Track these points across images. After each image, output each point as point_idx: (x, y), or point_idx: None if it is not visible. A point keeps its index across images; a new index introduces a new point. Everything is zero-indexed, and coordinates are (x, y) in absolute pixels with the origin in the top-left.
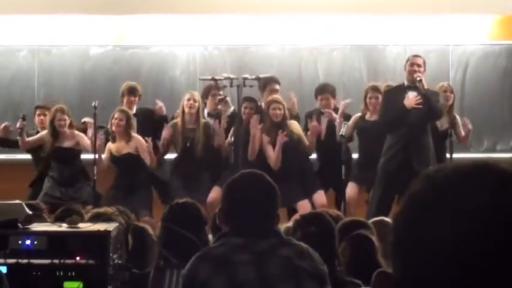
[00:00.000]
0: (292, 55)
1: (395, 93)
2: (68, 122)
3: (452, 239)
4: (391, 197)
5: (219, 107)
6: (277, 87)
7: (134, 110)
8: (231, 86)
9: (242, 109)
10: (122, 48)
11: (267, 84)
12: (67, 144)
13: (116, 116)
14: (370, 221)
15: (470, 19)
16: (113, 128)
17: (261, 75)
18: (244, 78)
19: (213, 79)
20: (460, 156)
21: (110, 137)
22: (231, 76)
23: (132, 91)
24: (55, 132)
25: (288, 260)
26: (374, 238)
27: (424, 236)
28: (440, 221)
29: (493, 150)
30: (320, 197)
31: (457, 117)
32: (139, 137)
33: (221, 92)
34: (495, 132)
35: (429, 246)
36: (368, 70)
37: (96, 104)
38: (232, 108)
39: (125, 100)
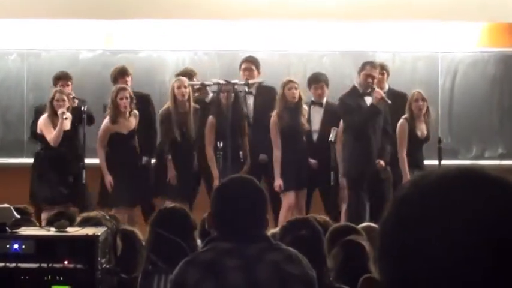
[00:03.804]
0: (281, 61)
1: (352, 99)
2: (67, 104)
3: (439, 244)
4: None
5: (196, 94)
6: (252, 67)
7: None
8: (221, 91)
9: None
10: (112, 53)
11: (241, 63)
12: (65, 125)
13: (120, 96)
14: (359, 226)
15: (459, 26)
16: (121, 109)
17: (251, 81)
18: (234, 84)
19: (202, 84)
20: (449, 163)
21: (108, 117)
22: (221, 81)
23: (123, 72)
24: (54, 113)
25: (276, 265)
26: (365, 244)
27: (411, 241)
28: (427, 226)
29: (482, 157)
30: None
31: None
32: (137, 113)
33: (195, 79)
34: (483, 140)
35: (416, 252)
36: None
37: (85, 109)
38: (210, 95)
39: (119, 83)
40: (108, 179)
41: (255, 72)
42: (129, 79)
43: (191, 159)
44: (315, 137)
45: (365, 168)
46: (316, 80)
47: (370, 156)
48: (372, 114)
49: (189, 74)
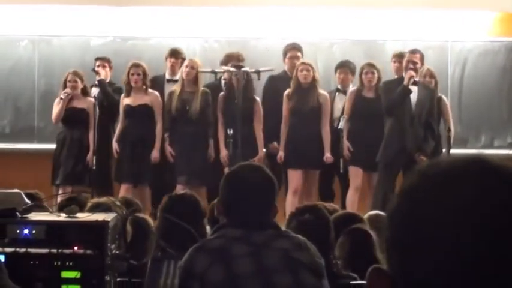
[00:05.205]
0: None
1: (395, 85)
2: (80, 85)
3: (450, 234)
4: None
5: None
6: (298, 54)
7: (178, 74)
8: (231, 78)
9: (233, 77)
10: (122, 40)
11: (287, 51)
12: (79, 105)
13: (132, 71)
14: (366, 215)
15: (469, 15)
16: (132, 84)
17: (261, 69)
18: (245, 73)
19: (212, 72)
20: (458, 152)
21: (124, 91)
22: (231, 69)
23: (172, 53)
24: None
25: (285, 252)
26: (372, 232)
27: (421, 232)
28: (438, 217)
29: (491, 147)
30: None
31: (444, 99)
32: (157, 93)
33: (241, 64)
34: (493, 129)
35: (427, 242)
36: (365, 63)
37: (96, 95)
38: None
39: (167, 64)
40: (114, 146)
41: (301, 60)
42: (177, 61)
43: (193, 140)
44: (335, 124)
45: (397, 155)
46: (340, 65)
47: (404, 144)
48: (403, 94)
49: (236, 57)
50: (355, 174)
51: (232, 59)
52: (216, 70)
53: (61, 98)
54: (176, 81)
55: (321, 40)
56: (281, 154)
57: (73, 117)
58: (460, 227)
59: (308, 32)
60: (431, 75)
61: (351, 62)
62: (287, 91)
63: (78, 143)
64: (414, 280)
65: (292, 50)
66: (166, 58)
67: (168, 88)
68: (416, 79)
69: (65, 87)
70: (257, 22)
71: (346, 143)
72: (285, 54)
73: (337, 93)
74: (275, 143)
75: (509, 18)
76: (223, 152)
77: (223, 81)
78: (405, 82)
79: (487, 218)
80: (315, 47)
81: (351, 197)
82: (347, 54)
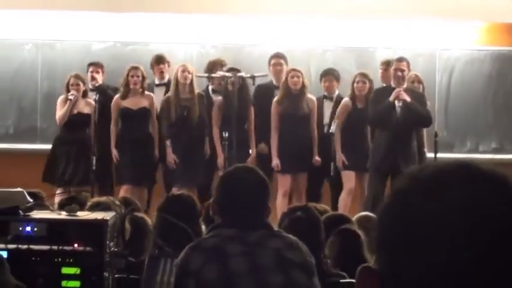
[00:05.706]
0: (285, 56)
1: (383, 93)
2: (82, 87)
3: (444, 236)
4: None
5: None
6: (281, 61)
7: (166, 79)
8: (227, 83)
9: (228, 80)
10: (122, 45)
11: (271, 59)
12: (84, 110)
13: (131, 73)
14: (356, 216)
15: (457, 25)
16: (131, 86)
17: (256, 74)
18: (240, 77)
19: (209, 77)
20: (444, 156)
21: (119, 93)
22: (227, 74)
23: (159, 60)
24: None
25: (277, 252)
26: (361, 233)
27: (412, 234)
28: (430, 219)
29: (476, 151)
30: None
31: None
32: (152, 95)
33: (224, 69)
34: (478, 134)
35: (419, 244)
36: (358, 72)
37: (96, 98)
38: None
39: (155, 71)
40: (114, 152)
41: (284, 67)
42: (164, 66)
43: (193, 143)
44: (325, 129)
45: (384, 160)
46: (325, 74)
47: (390, 149)
48: (389, 108)
49: (219, 64)
50: (349, 178)
51: (216, 65)
52: (212, 75)
53: (70, 99)
54: (165, 84)
55: (314, 47)
56: (277, 162)
57: (77, 122)
58: (454, 228)
59: (302, 40)
60: (419, 81)
61: (334, 69)
62: (276, 97)
63: (82, 145)
64: (404, 281)
65: (275, 58)
66: (153, 66)
67: (158, 92)
68: (401, 103)
69: (67, 89)
70: (252, 29)
71: (341, 156)
72: (269, 62)
73: (324, 100)
74: (263, 144)
75: (495, 28)
76: (221, 157)
77: (210, 88)
78: (391, 98)
79: (481, 219)
80: (308, 53)
81: (344, 199)
82: (339, 61)
